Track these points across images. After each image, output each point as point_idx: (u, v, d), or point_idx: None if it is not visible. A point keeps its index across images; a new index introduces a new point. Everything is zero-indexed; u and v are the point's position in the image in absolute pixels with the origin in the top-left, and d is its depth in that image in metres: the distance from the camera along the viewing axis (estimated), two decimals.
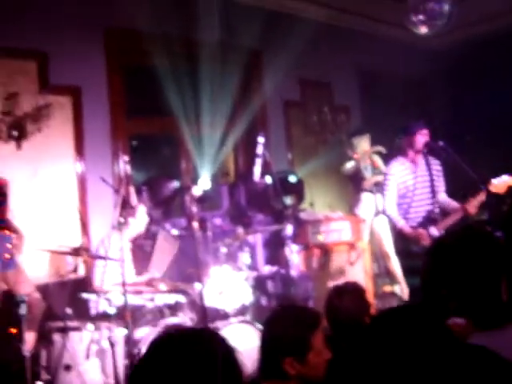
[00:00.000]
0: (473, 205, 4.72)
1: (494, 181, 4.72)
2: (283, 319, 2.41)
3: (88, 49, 5.11)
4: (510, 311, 1.74)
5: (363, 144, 6.38)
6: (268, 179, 5.52)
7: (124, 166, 5.13)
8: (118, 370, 3.61)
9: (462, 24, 6.72)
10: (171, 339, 1.34)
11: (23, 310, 3.44)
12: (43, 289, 4.28)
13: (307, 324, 2.37)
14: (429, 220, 4.87)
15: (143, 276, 4.46)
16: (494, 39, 7.61)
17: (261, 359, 2.37)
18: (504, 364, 1.48)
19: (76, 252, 3.94)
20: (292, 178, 5.99)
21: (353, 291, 3.05)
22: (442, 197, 5.07)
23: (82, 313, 3.96)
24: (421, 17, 4.92)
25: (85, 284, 4.31)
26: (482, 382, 1.43)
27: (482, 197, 4.72)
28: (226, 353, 1.33)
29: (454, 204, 4.97)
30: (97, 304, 3.65)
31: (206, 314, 3.94)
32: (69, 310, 3.72)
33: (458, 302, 2.01)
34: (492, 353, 1.50)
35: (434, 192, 4.94)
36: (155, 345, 1.33)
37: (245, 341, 3.96)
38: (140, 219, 4.46)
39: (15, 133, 4.55)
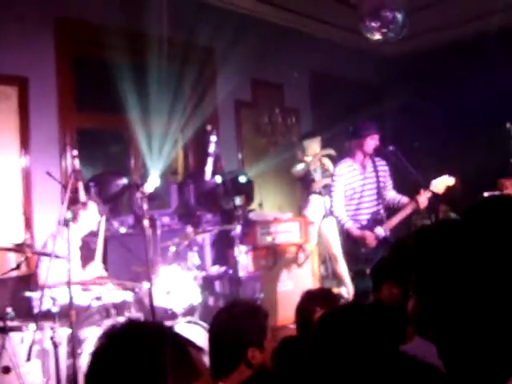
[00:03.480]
0: (422, 200, 4.80)
1: (435, 181, 4.85)
2: (241, 312, 2.46)
3: (37, 38, 4.92)
4: None
5: (314, 146, 6.42)
6: (218, 179, 5.48)
7: (72, 160, 4.99)
8: (60, 372, 3.49)
9: (415, 33, 6.88)
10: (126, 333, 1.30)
11: None
12: None
13: (262, 313, 2.52)
14: (375, 221, 4.94)
15: (87, 270, 4.32)
16: (444, 49, 7.84)
17: (217, 357, 2.35)
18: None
19: (19, 248, 3.79)
20: (242, 179, 5.97)
21: (324, 297, 3.06)
22: (391, 194, 5.13)
23: (24, 312, 3.81)
24: (375, 23, 4.99)
25: (28, 282, 4.15)
26: None
27: (427, 194, 4.81)
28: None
29: (403, 199, 5.03)
30: (40, 303, 3.51)
31: (154, 314, 3.87)
32: (9, 309, 3.57)
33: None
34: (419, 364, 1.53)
35: (380, 194, 5.01)
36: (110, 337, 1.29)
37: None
38: (91, 216, 4.33)
39: None
